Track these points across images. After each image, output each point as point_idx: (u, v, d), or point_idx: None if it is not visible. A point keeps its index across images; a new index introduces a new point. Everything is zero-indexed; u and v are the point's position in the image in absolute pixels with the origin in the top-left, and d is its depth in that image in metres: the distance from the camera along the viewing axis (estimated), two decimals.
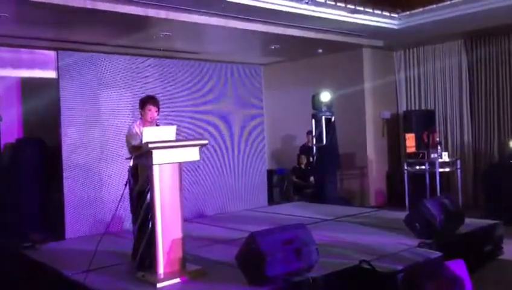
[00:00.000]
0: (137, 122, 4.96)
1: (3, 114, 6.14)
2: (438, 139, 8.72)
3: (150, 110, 4.89)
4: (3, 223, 5.91)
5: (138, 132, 4.75)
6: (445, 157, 8.53)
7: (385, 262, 4.54)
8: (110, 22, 6.45)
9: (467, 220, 5.89)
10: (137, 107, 5.08)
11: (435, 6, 7.28)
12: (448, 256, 4.38)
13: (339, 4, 6.91)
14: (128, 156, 4.73)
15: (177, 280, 4.30)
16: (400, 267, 4.20)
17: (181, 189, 4.52)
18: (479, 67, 8.94)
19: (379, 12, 7.48)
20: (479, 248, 5.60)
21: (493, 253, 5.80)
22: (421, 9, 7.47)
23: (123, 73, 7.12)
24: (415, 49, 9.66)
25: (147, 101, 4.93)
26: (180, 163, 4.51)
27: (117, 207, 4.52)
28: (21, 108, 7.56)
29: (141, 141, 4.43)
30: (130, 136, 4.81)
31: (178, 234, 4.45)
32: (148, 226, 4.57)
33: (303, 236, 4.33)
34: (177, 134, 4.73)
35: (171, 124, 6.07)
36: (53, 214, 6.64)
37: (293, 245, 4.11)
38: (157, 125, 4.90)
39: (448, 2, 7.10)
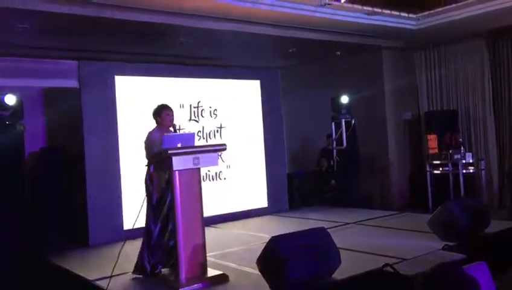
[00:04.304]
0: (155, 130, 5.00)
1: (27, 123, 6.25)
2: (461, 140, 8.58)
3: (167, 114, 4.98)
4: (28, 230, 6.01)
5: (157, 139, 4.79)
6: (469, 158, 8.38)
7: (409, 266, 4.48)
8: (129, 31, 6.53)
9: (493, 222, 5.77)
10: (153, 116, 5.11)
11: (454, 5, 7.17)
12: (473, 259, 4.30)
13: (356, 6, 6.86)
14: (147, 163, 4.80)
15: (199, 285, 4.32)
16: (423, 271, 4.14)
17: (201, 194, 4.54)
18: (502, 66, 8.77)
19: (397, 13, 7.40)
20: (506, 249, 5.47)
21: None
22: (439, 9, 7.37)
23: (143, 80, 7.21)
24: (435, 50, 9.52)
25: (163, 108, 5.03)
26: (199, 168, 4.54)
27: (138, 214, 4.57)
28: (44, 117, 7.70)
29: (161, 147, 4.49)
30: (151, 143, 4.83)
31: (199, 239, 4.48)
32: (167, 231, 4.63)
33: (324, 240, 4.30)
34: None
35: (191, 130, 6.12)
36: (77, 221, 6.73)
37: (314, 249, 4.09)
38: (175, 129, 4.93)
39: (468, 1, 6.99)
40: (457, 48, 9.19)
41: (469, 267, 2.19)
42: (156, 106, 5.13)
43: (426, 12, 7.54)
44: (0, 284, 5.35)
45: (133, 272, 4.83)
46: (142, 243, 4.85)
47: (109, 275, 4.52)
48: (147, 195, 4.83)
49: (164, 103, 5.18)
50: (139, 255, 4.84)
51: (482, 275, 2.14)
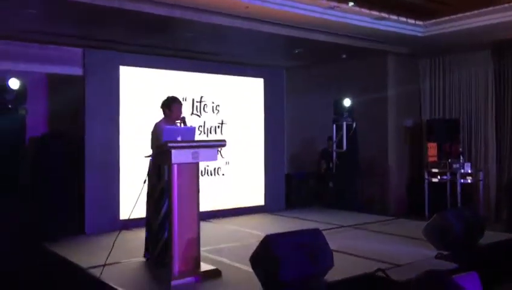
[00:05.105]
0: (162, 121, 5.03)
1: (29, 108, 6.26)
2: (460, 149, 8.59)
3: (176, 108, 5.04)
4: (25, 216, 6.02)
5: None
6: (467, 168, 8.39)
7: (401, 272, 4.50)
8: (136, 22, 6.54)
9: (488, 233, 5.78)
10: (161, 107, 5.16)
11: (461, 15, 7.17)
12: (466, 268, 4.32)
13: (363, 10, 6.87)
14: (148, 153, 4.82)
15: (191, 278, 4.34)
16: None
17: (198, 189, 4.55)
18: (506, 79, 8.77)
19: (404, 19, 7.40)
20: (499, 261, 5.48)
21: None
22: (447, 17, 7.37)
23: (147, 72, 7.23)
24: (440, 58, 9.52)
25: (174, 100, 5.08)
26: (198, 163, 4.55)
27: (135, 204, 4.59)
28: (47, 103, 7.71)
29: None
30: (159, 133, 4.82)
31: (194, 233, 4.49)
32: (166, 225, 4.65)
33: (318, 241, 4.32)
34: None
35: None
36: (75, 208, 6.74)
37: (307, 249, 4.10)
38: (184, 121, 4.96)
39: (475, 12, 6.99)
40: (463, 58, 9.19)
41: (459, 276, 2.21)
42: (165, 98, 5.16)
43: (433, 20, 7.54)
44: None
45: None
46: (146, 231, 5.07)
47: (103, 263, 4.54)
48: (149, 186, 4.85)
49: (173, 95, 5.21)
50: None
51: (471, 285, 2.15)
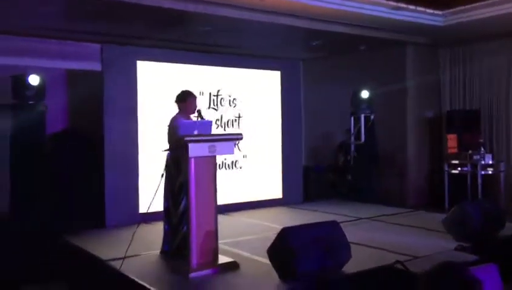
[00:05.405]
0: (178, 116, 5.06)
1: (49, 104, 6.35)
2: (481, 140, 8.46)
3: (191, 102, 5.06)
4: (46, 210, 6.13)
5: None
6: (488, 159, 8.26)
7: (420, 264, 4.47)
8: (153, 16, 6.56)
9: (510, 225, 5.70)
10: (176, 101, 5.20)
11: (480, 4, 7.03)
12: (486, 261, 4.26)
13: (381, 1, 6.79)
14: (165, 148, 4.85)
15: (209, 270, 4.38)
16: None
17: (215, 182, 4.58)
18: None
19: (422, 9, 7.29)
20: None
21: None
22: (465, 7, 7.23)
23: (164, 66, 7.27)
24: (461, 48, 9.36)
25: (189, 95, 5.11)
26: (215, 156, 4.57)
27: (153, 197, 4.64)
28: (66, 99, 7.81)
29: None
30: (175, 127, 4.84)
31: (212, 225, 4.52)
32: (184, 218, 4.69)
33: (335, 234, 4.32)
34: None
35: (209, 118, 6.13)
36: (94, 202, 6.84)
37: (325, 242, 4.11)
38: (200, 114, 4.94)
39: (495, 0, 6.85)
40: (483, 47, 9.01)
41: (477, 268, 2.19)
42: (180, 92, 5.18)
43: (451, 10, 7.41)
44: (18, 261, 5.50)
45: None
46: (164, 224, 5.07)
47: (122, 256, 4.61)
48: (168, 179, 4.89)
49: (187, 89, 5.23)
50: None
51: (489, 277, 2.13)
